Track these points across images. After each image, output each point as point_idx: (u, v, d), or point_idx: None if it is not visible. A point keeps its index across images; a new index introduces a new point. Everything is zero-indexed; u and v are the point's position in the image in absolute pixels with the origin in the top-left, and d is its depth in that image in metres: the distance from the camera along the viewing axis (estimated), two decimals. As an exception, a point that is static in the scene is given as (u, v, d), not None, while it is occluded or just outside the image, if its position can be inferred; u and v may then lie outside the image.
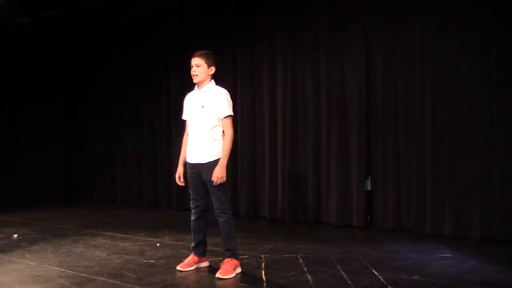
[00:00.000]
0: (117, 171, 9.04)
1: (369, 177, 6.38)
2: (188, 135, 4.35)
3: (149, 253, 5.05)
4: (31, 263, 4.71)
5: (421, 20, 5.87)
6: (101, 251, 5.17)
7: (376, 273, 4.18)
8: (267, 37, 7.15)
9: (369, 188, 6.38)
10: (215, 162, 4.11)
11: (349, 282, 3.92)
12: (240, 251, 4.66)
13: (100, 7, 7.78)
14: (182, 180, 4.34)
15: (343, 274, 4.16)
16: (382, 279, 4.01)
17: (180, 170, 4.35)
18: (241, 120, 7.34)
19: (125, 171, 8.90)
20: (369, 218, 6.37)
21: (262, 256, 4.82)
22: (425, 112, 5.84)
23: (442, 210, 5.70)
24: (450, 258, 4.73)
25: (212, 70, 4.24)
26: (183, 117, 4.43)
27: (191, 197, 4.31)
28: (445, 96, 5.71)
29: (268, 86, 7.13)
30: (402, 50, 6.03)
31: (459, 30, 5.62)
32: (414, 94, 5.95)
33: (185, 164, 4.34)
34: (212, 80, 4.28)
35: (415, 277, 4.06)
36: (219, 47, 7.40)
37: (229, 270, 4.12)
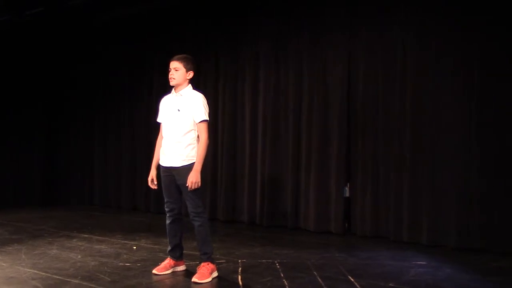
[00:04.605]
0: (95, 173, 8.95)
1: (348, 184, 6.41)
2: (162, 137, 4.33)
3: (125, 256, 4.99)
4: (4, 264, 4.61)
5: (403, 29, 5.94)
6: (76, 253, 5.09)
7: (352, 279, 4.19)
8: (250, 43, 7.16)
9: (347, 194, 6.41)
10: (189, 166, 4.09)
11: (325, 288, 3.93)
12: (217, 256, 4.63)
13: (82, 8, 7.68)
14: (155, 183, 4.31)
15: (320, 280, 4.16)
16: (358, 286, 4.02)
17: (153, 173, 4.32)
18: (222, 125, 7.33)
19: (104, 173, 8.82)
20: (347, 224, 6.39)
21: (239, 260, 4.80)
22: (405, 121, 5.89)
23: (419, 218, 5.74)
24: (426, 266, 4.76)
25: (190, 74, 4.23)
26: (158, 120, 4.41)
27: (166, 201, 4.28)
28: (425, 106, 5.77)
29: (249, 92, 7.13)
30: (383, 59, 6.09)
31: (440, 41, 5.70)
32: (394, 104, 6.00)
33: (158, 167, 4.32)
34: (190, 85, 4.27)
35: (391, 285, 4.08)
36: (203, 52, 7.43)
37: (205, 274, 4.09)
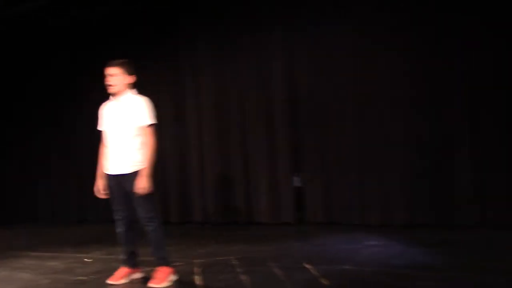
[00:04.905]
0: (42, 187, 8.66)
1: (298, 173, 6.51)
2: (105, 146, 4.25)
3: (79, 270, 4.86)
4: (-50, 293, 4.42)
5: (344, 21, 6.14)
6: (27, 272, 4.90)
7: (309, 267, 4.27)
8: (191, 42, 7.14)
9: (298, 184, 6.52)
10: (138, 172, 4.03)
11: (283, 279, 3.98)
12: (173, 258, 4.60)
13: (32, 12, 7.35)
14: (103, 192, 4.24)
15: (277, 271, 4.21)
16: (315, 272, 4.10)
17: (99, 182, 4.25)
18: (167, 127, 7.27)
19: (51, 186, 8.55)
20: (300, 213, 6.50)
21: (196, 261, 4.79)
22: (349, 107, 6.07)
23: (368, 201, 5.94)
24: (378, 245, 4.93)
25: (131, 78, 4.16)
26: (99, 128, 4.33)
27: (116, 209, 4.21)
28: (368, 92, 5.97)
29: (193, 91, 7.13)
30: (323, 48, 6.25)
31: (379, 26, 5.90)
32: (338, 91, 6.16)
33: (105, 175, 4.24)
34: (132, 89, 4.20)
35: (346, 267, 4.19)
36: (142, 54, 7.31)
37: (162, 278, 4.06)
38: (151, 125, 4.12)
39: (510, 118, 5.32)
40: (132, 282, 4.26)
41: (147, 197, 4.04)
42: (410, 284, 3.61)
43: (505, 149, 5.33)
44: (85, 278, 4.52)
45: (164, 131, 7.25)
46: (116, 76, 4.09)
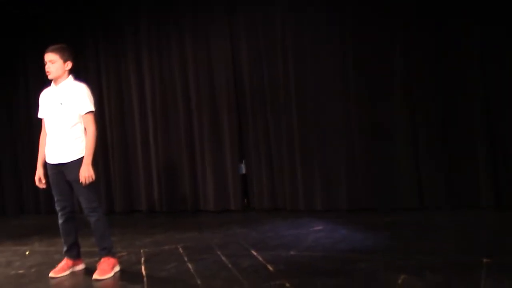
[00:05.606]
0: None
1: (243, 160, 6.52)
2: (45, 134, 4.09)
3: (17, 263, 4.69)
4: None
5: (282, 7, 6.09)
6: (-39, 267, 4.69)
7: (255, 253, 4.29)
8: (131, 26, 6.97)
9: (244, 171, 6.52)
10: (79, 161, 3.91)
11: (230, 266, 3.97)
12: (118, 249, 4.51)
13: None
14: (44, 182, 4.09)
15: (224, 258, 4.21)
16: (261, 258, 4.12)
17: (40, 171, 4.09)
18: (109, 114, 7.10)
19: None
20: (246, 200, 6.52)
21: (141, 250, 4.72)
22: (291, 96, 6.08)
23: (312, 187, 6.00)
24: (322, 230, 5.00)
25: (69, 65, 4.01)
26: (39, 115, 4.16)
27: (56, 199, 4.07)
28: (310, 80, 5.99)
29: (135, 77, 6.97)
30: (265, 35, 6.23)
31: (318, 17, 5.92)
32: (279, 79, 6.16)
33: (45, 164, 4.09)
34: (70, 75, 4.05)
35: (291, 253, 4.23)
36: (81, 39, 7.09)
37: (106, 269, 3.97)
38: (90, 112, 3.99)
39: (444, 108, 5.48)
40: (74, 274, 4.15)
41: (89, 186, 3.93)
42: (354, 268, 3.68)
43: (441, 137, 5.50)
44: (24, 271, 4.36)
45: (108, 118, 7.09)
46: (54, 62, 3.94)
